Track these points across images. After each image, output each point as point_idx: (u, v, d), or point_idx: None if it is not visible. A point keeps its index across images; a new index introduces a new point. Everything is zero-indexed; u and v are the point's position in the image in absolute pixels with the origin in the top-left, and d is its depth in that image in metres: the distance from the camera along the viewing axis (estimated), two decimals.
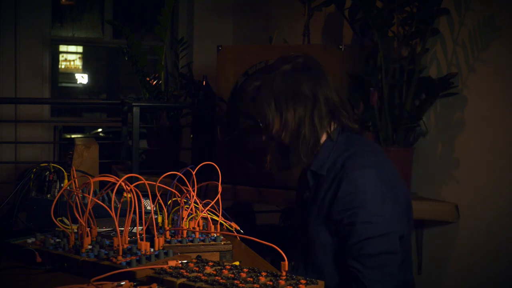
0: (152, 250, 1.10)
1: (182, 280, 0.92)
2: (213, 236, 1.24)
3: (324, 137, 1.68)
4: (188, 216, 1.27)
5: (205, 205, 1.29)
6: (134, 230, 1.21)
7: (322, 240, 1.63)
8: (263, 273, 0.96)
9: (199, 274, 0.95)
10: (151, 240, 1.13)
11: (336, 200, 1.58)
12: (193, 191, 1.26)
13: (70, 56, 6.08)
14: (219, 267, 0.99)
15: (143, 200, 1.14)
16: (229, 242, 1.22)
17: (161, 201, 1.25)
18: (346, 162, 1.61)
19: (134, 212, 1.10)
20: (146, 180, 1.16)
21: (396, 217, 1.59)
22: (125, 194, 1.19)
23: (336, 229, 1.60)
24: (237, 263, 1.12)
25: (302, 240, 1.72)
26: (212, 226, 1.29)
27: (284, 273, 0.95)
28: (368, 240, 1.53)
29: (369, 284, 1.52)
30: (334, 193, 1.60)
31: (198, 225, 1.29)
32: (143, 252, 1.07)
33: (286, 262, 0.95)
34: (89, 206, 1.11)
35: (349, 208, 1.56)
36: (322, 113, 1.66)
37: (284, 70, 1.69)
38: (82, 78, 6.12)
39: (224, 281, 0.91)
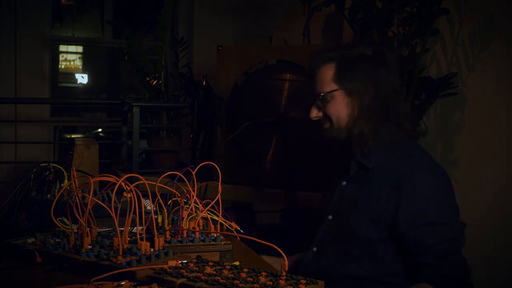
0: (152, 250, 1.10)
1: (182, 280, 0.92)
2: (213, 236, 1.24)
3: (383, 132, 1.63)
4: (188, 216, 1.27)
5: (205, 205, 1.29)
6: (134, 230, 1.21)
7: (364, 233, 1.60)
8: (263, 273, 0.96)
9: (199, 274, 0.95)
10: (151, 240, 1.13)
11: (401, 204, 1.54)
12: (193, 191, 1.26)
13: (70, 56, 6.08)
14: (219, 267, 0.99)
15: (143, 200, 1.14)
16: (229, 242, 1.22)
17: (161, 201, 1.25)
18: (403, 163, 1.59)
19: (134, 212, 1.10)
20: (146, 180, 1.16)
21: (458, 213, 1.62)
22: (125, 194, 1.19)
23: (400, 232, 1.56)
24: (237, 263, 1.12)
25: (335, 228, 1.69)
26: (212, 226, 1.29)
27: (284, 273, 0.95)
28: (451, 240, 1.54)
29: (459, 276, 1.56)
30: (395, 196, 1.56)
31: (198, 225, 1.28)
32: (143, 252, 1.07)
33: (286, 262, 0.95)
34: (89, 206, 1.11)
35: (421, 212, 1.54)
36: (389, 107, 1.63)
37: (366, 54, 1.64)
38: (82, 78, 6.12)
39: (224, 281, 0.91)
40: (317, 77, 1.68)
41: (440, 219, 1.55)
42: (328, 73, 1.65)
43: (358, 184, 1.66)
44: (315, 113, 1.69)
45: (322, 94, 1.65)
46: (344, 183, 1.70)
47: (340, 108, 1.64)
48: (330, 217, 1.71)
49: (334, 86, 1.64)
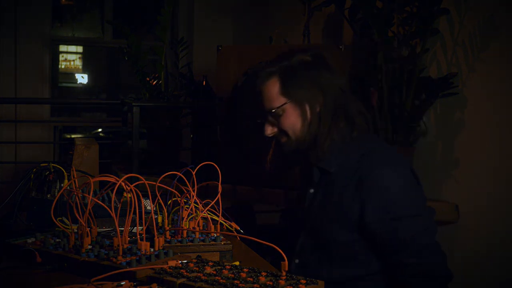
0: (152, 250, 1.10)
1: (182, 280, 0.92)
2: (213, 236, 1.24)
3: (334, 134, 1.62)
4: (188, 216, 1.27)
5: (205, 205, 1.29)
6: (134, 230, 1.21)
7: (338, 237, 1.60)
8: (263, 273, 0.96)
9: (199, 274, 0.95)
10: (151, 240, 1.13)
11: (366, 203, 1.54)
12: (193, 191, 1.26)
13: (70, 56, 6.07)
14: (219, 267, 0.99)
15: (143, 200, 1.14)
16: (229, 242, 1.22)
17: (161, 201, 1.25)
18: (364, 160, 1.58)
19: (134, 212, 1.10)
20: (146, 180, 1.16)
21: (425, 202, 1.61)
22: (125, 194, 1.19)
23: (371, 231, 1.56)
24: (237, 263, 1.12)
25: (311, 237, 1.69)
26: (212, 226, 1.29)
27: (284, 273, 0.95)
28: (423, 232, 1.53)
29: (432, 271, 1.52)
30: (358, 195, 1.55)
31: (198, 225, 1.28)
32: (143, 252, 1.07)
33: (286, 262, 0.95)
34: (89, 206, 1.11)
35: (387, 208, 1.53)
36: (339, 108, 1.62)
37: (306, 60, 1.64)
38: (82, 78, 6.12)
39: (224, 281, 0.91)
40: (264, 94, 1.66)
41: (408, 212, 1.54)
42: (273, 88, 1.64)
43: (324, 190, 1.66)
44: (270, 130, 1.68)
45: (272, 110, 1.64)
46: (311, 190, 1.70)
47: (293, 119, 1.63)
48: (305, 226, 1.71)
49: (282, 100, 1.63)
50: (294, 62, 1.64)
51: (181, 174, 1.30)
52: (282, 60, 1.67)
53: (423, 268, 1.52)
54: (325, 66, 1.65)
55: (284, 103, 1.62)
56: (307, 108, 1.62)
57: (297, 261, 1.70)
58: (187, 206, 1.28)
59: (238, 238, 1.38)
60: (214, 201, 1.30)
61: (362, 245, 1.60)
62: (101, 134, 5.21)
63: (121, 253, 1.06)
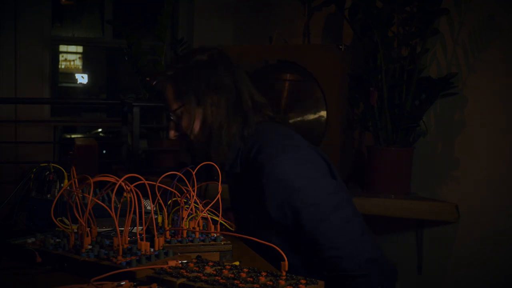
0: (152, 250, 1.10)
1: (182, 280, 0.92)
2: (213, 236, 1.24)
3: (237, 132, 1.61)
4: (188, 216, 1.27)
5: (205, 205, 1.29)
6: (134, 230, 1.21)
7: (261, 236, 1.56)
8: (263, 273, 0.96)
9: (199, 274, 0.95)
10: (151, 240, 1.13)
11: (265, 197, 1.49)
12: (193, 191, 1.26)
13: (70, 56, 6.08)
14: (219, 267, 0.99)
15: (143, 200, 1.14)
16: (229, 242, 1.22)
17: (161, 201, 1.25)
18: (258, 156, 1.53)
19: (134, 212, 1.10)
20: (146, 180, 1.16)
21: (332, 190, 1.51)
22: (125, 194, 1.19)
23: (281, 226, 1.51)
24: (237, 263, 1.12)
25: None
26: (212, 226, 1.29)
27: (284, 273, 0.95)
28: (321, 222, 1.45)
29: (345, 258, 1.44)
30: (259, 193, 1.51)
31: (198, 225, 1.29)
32: (143, 252, 1.07)
33: (286, 262, 0.95)
34: (89, 206, 1.11)
35: (285, 200, 1.47)
36: (241, 105, 1.61)
37: (201, 60, 1.64)
38: (82, 78, 6.12)
39: (224, 281, 0.91)
40: (164, 99, 1.68)
41: (304, 202, 1.46)
42: (169, 92, 1.65)
43: (237, 192, 1.67)
44: (172, 134, 1.69)
45: (170, 114, 1.66)
46: (231, 195, 1.72)
47: (189, 121, 1.63)
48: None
49: (178, 104, 1.64)
50: (190, 64, 1.65)
51: (181, 174, 1.30)
52: (180, 62, 1.68)
53: (346, 260, 1.44)
54: (221, 63, 1.65)
55: (179, 107, 1.64)
56: (201, 109, 1.62)
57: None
58: (187, 206, 1.28)
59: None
60: (214, 201, 1.30)
61: (282, 245, 1.55)
62: (101, 134, 5.21)
63: (121, 253, 1.06)
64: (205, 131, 1.62)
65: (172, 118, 1.67)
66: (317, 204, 1.46)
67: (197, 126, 1.63)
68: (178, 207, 1.27)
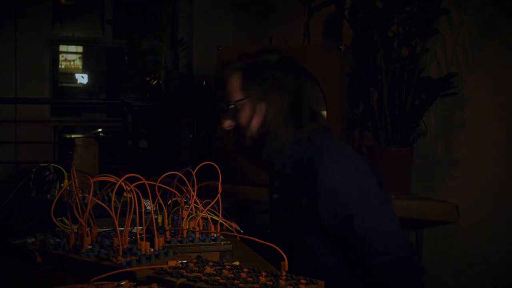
0: (152, 250, 1.10)
1: (182, 280, 0.92)
2: (213, 236, 1.24)
3: (287, 135, 1.62)
4: (188, 216, 1.27)
5: (205, 205, 1.29)
6: (134, 230, 1.21)
7: (301, 241, 1.58)
8: (263, 273, 0.96)
9: (199, 274, 0.95)
10: (151, 240, 1.13)
11: (318, 203, 1.51)
12: (193, 191, 1.26)
13: (70, 56, 6.07)
14: (219, 267, 0.99)
15: (143, 200, 1.14)
16: (229, 242, 1.22)
17: (161, 201, 1.25)
18: (312, 161, 1.55)
19: (134, 212, 1.10)
20: (146, 180, 1.16)
21: (383, 199, 1.55)
22: (125, 194, 1.19)
23: (332, 233, 1.53)
24: (237, 263, 1.12)
25: (279, 244, 1.66)
26: (212, 226, 1.29)
27: (284, 273, 0.95)
28: (374, 228, 1.49)
29: (402, 266, 1.49)
30: (310, 197, 1.53)
31: (198, 225, 1.28)
32: (143, 252, 1.07)
33: (286, 262, 0.95)
34: (89, 206, 1.11)
35: (339, 206, 1.50)
36: (300, 111, 1.63)
37: (272, 60, 1.66)
38: (82, 78, 6.12)
39: (224, 281, 0.91)
40: (226, 88, 1.68)
41: (358, 208, 1.50)
42: (235, 82, 1.66)
43: (284, 194, 1.65)
44: (227, 124, 1.68)
45: (231, 104, 1.65)
46: (275, 195, 1.70)
47: (250, 116, 1.64)
48: (270, 232, 1.71)
49: (242, 95, 1.64)
50: (260, 61, 1.66)
51: (181, 174, 1.30)
52: (250, 57, 1.69)
53: (394, 268, 1.48)
54: (289, 68, 1.67)
55: (243, 98, 1.64)
56: (264, 106, 1.63)
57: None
58: (187, 206, 1.28)
59: (238, 238, 1.38)
60: (214, 201, 1.30)
61: (326, 250, 1.57)
62: (101, 134, 5.21)
63: (121, 253, 1.06)
64: (262, 128, 1.63)
65: (229, 108, 1.66)
66: (370, 211, 1.50)
67: (256, 121, 1.63)
68: (178, 207, 1.27)
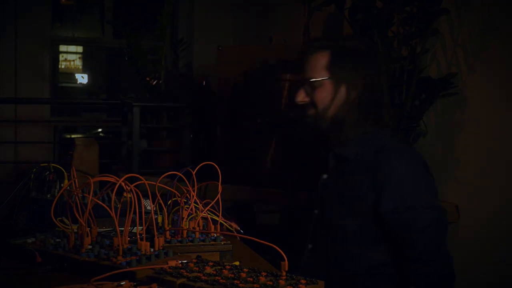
0: (152, 250, 1.10)
1: (182, 280, 0.92)
2: (213, 236, 1.24)
3: (361, 125, 1.67)
4: (188, 216, 1.27)
5: (205, 205, 1.29)
6: (134, 230, 1.21)
7: (349, 223, 1.62)
8: (263, 273, 0.96)
9: (199, 274, 0.95)
10: (151, 240, 1.13)
11: (381, 192, 1.56)
12: (193, 191, 1.26)
13: (70, 56, 6.07)
14: (219, 267, 0.99)
15: (143, 200, 1.14)
16: (229, 242, 1.22)
17: (161, 201, 1.25)
18: (380, 153, 1.60)
19: (134, 212, 1.10)
20: (146, 180, 1.16)
21: (438, 198, 1.65)
22: (125, 194, 1.19)
23: (386, 221, 1.58)
24: (237, 263, 1.12)
25: (323, 222, 1.70)
26: (212, 226, 1.29)
27: (284, 273, 0.95)
28: (436, 225, 1.57)
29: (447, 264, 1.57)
30: (373, 185, 1.58)
31: (198, 225, 1.28)
32: (143, 252, 1.07)
33: (286, 262, 0.95)
34: (89, 206, 1.11)
35: (402, 198, 1.56)
36: (373, 102, 1.67)
37: (360, 48, 1.70)
38: (82, 78, 6.11)
39: (224, 281, 0.91)
40: (309, 63, 1.70)
41: (422, 202, 1.57)
42: (321, 60, 1.67)
43: (338, 176, 1.68)
44: (301, 97, 1.71)
45: (312, 79, 1.66)
46: (324, 176, 1.72)
47: (328, 96, 1.66)
48: (316, 212, 1.72)
49: (325, 74, 1.66)
50: (349, 45, 1.70)
51: (181, 174, 1.30)
52: (338, 40, 1.74)
53: (431, 268, 1.54)
54: (374, 60, 1.71)
55: (326, 78, 1.66)
56: (344, 90, 1.65)
57: (310, 246, 1.72)
58: (187, 206, 1.28)
59: (238, 238, 1.38)
60: (214, 201, 1.30)
61: (372, 234, 1.61)
62: (101, 134, 5.21)
63: (121, 253, 1.06)
64: (338, 110, 1.66)
65: (309, 83, 1.68)
66: (430, 208, 1.57)
67: (334, 103, 1.66)
68: (178, 207, 1.27)
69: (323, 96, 1.66)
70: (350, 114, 1.64)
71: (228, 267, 1.00)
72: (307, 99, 1.70)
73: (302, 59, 1.72)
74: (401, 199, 1.56)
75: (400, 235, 1.58)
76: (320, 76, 1.66)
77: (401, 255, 1.58)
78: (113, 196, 1.12)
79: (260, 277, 0.94)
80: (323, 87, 1.66)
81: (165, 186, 1.23)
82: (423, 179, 1.62)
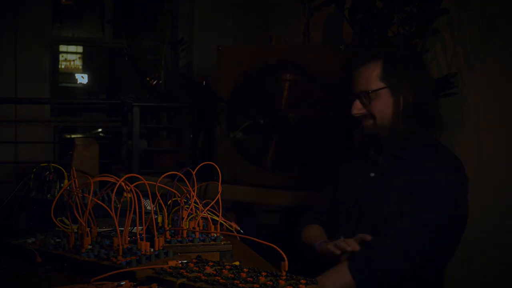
0: (152, 250, 1.10)
1: (182, 280, 0.93)
2: (213, 236, 1.24)
3: (415, 130, 1.70)
4: (188, 216, 1.27)
5: (205, 205, 1.29)
6: (134, 230, 1.21)
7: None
8: (263, 273, 0.96)
9: (199, 274, 0.95)
10: (151, 240, 1.13)
11: (422, 198, 1.61)
12: (193, 191, 1.26)
13: (70, 56, 6.07)
14: (219, 267, 0.99)
15: (143, 200, 1.14)
16: (229, 242, 1.22)
17: (161, 201, 1.25)
18: (429, 160, 1.65)
19: (134, 212, 1.10)
20: (146, 180, 1.16)
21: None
22: (125, 194, 1.19)
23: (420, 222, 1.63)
24: (237, 263, 1.12)
25: (362, 218, 1.73)
26: (212, 226, 1.29)
27: (284, 273, 0.95)
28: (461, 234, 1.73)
29: None
30: (414, 189, 1.62)
31: (198, 225, 1.29)
32: (143, 252, 1.07)
33: (286, 262, 0.95)
34: (89, 206, 1.11)
35: (445, 206, 1.64)
36: (425, 107, 1.70)
37: (406, 54, 1.73)
38: (82, 78, 6.11)
39: (224, 281, 0.91)
40: (362, 74, 1.72)
41: (462, 215, 1.71)
42: (374, 71, 1.70)
43: (388, 175, 1.71)
44: (357, 109, 1.73)
45: (368, 91, 1.68)
46: (372, 174, 1.75)
47: (385, 106, 1.69)
48: (354, 207, 1.75)
49: (380, 84, 1.68)
50: (397, 54, 1.73)
51: (181, 174, 1.30)
52: (385, 47, 1.79)
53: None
54: (422, 65, 1.75)
55: (382, 88, 1.68)
56: (401, 99, 1.68)
57: (342, 238, 1.72)
58: (187, 206, 1.28)
59: (238, 238, 1.38)
60: (214, 201, 1.30)
61: None
62: (101, 134, 5.21)
63: (121, 253, 1.06)
64: (395, 118, 1.68)
65: (365, 95, 1.70)
66: (459, 223, 1.71)
67: (390, 112, 1.69)
68: (178, 207, 1.27)
69: (381, 106, 1.69)
70: (407, 120, 1.67)
71: (228, 267, 1.00)
72: (363, 111, 1.72)
73: (352, 70, 1.75)
74: (442, 208, 1.64)
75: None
76: (376, 87, 1.68)
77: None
78: (113, 196, 1.12)
79: (260, 277, 0.94)
80: (379, 97, 1.69)
81: (165, 186, 1.23)
82: (460, 190, 1.71)
